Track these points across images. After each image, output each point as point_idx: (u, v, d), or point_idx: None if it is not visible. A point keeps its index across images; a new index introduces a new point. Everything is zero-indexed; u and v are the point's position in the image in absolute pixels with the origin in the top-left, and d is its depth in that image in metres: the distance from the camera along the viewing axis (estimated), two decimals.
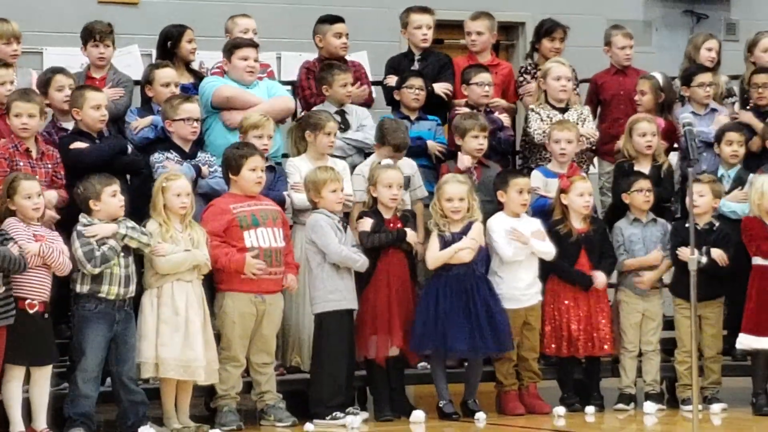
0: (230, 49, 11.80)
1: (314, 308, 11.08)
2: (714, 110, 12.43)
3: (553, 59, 12.45)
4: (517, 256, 11.35)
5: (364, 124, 11.98)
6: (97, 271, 10.28)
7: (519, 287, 11.40)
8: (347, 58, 12.52)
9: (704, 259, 11.02)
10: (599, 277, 11.44)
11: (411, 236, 11.21)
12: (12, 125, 10.62)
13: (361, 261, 11.03)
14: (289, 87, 12.53)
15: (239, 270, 10.65)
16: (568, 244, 11.50)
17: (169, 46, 11.85)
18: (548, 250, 11.36)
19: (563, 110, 12.20)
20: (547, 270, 11.45)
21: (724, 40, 14.91)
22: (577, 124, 12.14)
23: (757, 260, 11.37)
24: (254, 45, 11.85)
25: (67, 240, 10.30)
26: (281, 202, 11.14)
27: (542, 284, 11.49)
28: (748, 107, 12.59)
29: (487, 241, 11.35)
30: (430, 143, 12.01)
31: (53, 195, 10.62)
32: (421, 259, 11.29)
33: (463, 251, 11.08)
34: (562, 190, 11.61)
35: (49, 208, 10.45)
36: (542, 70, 12.36)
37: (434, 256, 11.12)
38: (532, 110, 12.21)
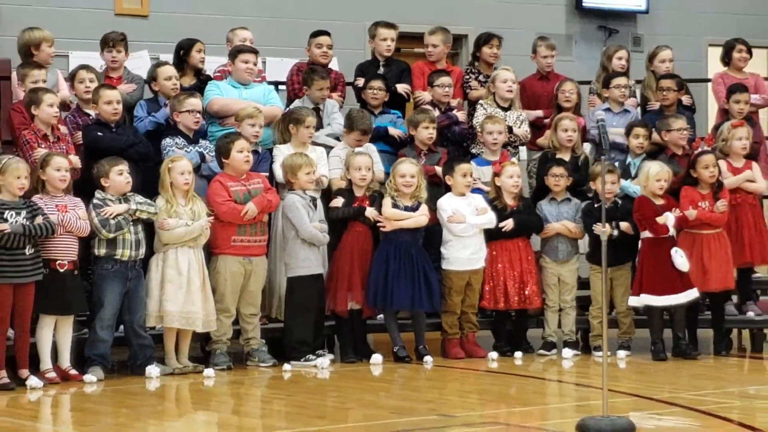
0: (234, 54, 11.79)
1: (288, 272, 11.10)
2: (627, 111, 12.42)
3: (501, 67, 12.47)
4: (466, 231, 11.40)
5: (334, 115, 11.97)
6: (111, 236, 10.30)
7: (465, 254, 11.43)
8: (332, 67, 12.53)
9: (615, 232, 11.15)
10: (508, 224, 11.49)
11: (370, 212, 11.23)
12: (43, 113, 10.59)
13: (325, 240, 11.09)
14: (272, 86, 12.52)
15: (238, 217, 10.74)
16: (503, 217, 11.54)
17: (182, 54, 11.82)
18: (487, 221, 11.39)
19: (506, 109, 12.21)
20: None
21: (631, 50, 14.92)
22: (516, 124, 12.18)
23: (645, 234, 11.38)
24: (255, 51, 11.85)
25: (88, 204, 10.35)
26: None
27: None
28: (648, 107, 12.65)
29: (438, 217, 11.40)
30: (390, 129, 12.01)
31: (76, 159, 10.67)
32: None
33: (421, 217, 11.14)
34: (496, 174, 11.65)
35: (74, 167, 10.48)
36: (492, 75, 12.36)
37: (389, 211, 11.17)
38: (480, 105, 12.23)
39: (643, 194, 11.39)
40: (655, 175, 11.34)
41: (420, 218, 11.24)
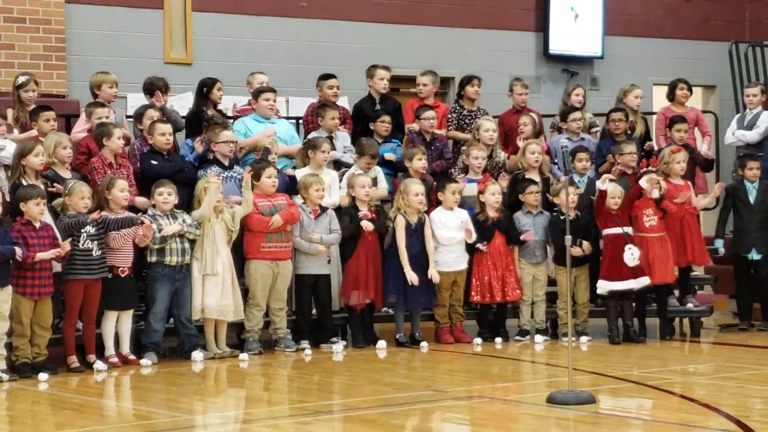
0: (257, 94, 11.81)
1: (296, 270, 11.12)
2: (582, 139, 12.38)
3: (484, 117, 12.43)
4: (450, 241, 11.44)
5: (347, 145, 11.99)
6: (157, 246, 10.34)
7: (451, 257, 11.46)
8: (341, 104, 12.51)
9: (576, 250, 11.15)
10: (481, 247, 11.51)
11: (366, 224, 11.18)
12: (113, 144, 10.61)
13: (311, 249, 11.03)
14: (293, 120, 12.52)
15: (266, 226, 10.77)
16: (486, 227, 11.56)
17: (205, 91, 11.77)
18: (472, 240, 11.43)
19: (490, 155, 12.15)
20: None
21: (589, 89, 14.98)
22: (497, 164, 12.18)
23: (605, 231, 11.39)
24: (273, 90, 11.86)
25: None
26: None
27: (470, 256, 11.53)
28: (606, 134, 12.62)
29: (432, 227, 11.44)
30: (386, 155, 11.92)
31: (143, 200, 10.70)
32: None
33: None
34: (480, 192, 11.68)
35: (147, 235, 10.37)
36: (476, 124, 12.28)
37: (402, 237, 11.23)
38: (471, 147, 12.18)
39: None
40: (611, 194, 11.35)
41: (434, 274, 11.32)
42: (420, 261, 11.29)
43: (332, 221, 11.21)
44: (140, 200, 10.66)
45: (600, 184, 11.31)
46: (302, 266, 11.10)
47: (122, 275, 10.24)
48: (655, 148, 12.53)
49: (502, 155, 12.27)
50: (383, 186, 11.67)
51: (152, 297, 10.44)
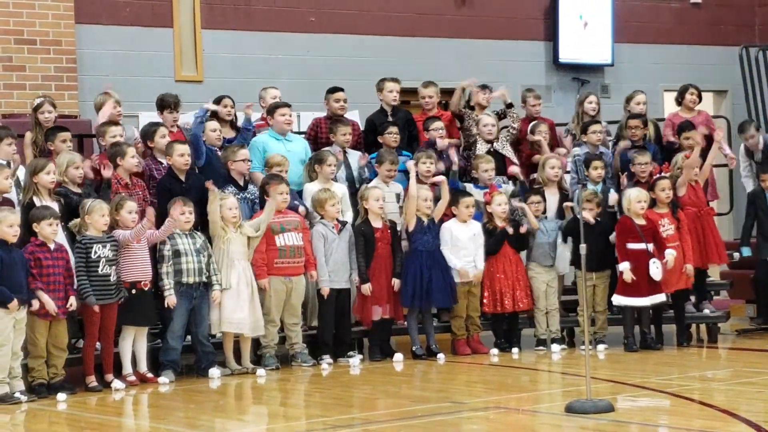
0: (273, 109, 11.79)
1: (319, 284, 11.11)
2: (602, 152, 12.31)
3: (484, 113, 12.44)
4: (463, 251, 11.41)
5: (361, 164, 11.95)
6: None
7: (461, 264, 11.42)
8: (353, 118, 12.51)
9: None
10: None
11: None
12: (127, 164, 10.62)
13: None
14: (304, 134, 12.51)
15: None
16: (496, 236, 11.52)
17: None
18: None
19: (492, 149, 12.21)
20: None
21: (601, 97, 14.95)
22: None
23: (627, 245, 11.34)
24: (288, 105, 11.87)
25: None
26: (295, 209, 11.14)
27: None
28: (621, 142, 12.56)
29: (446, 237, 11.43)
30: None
31: (151, 211, 10.67)
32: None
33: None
34: (487, 203, 11.67)
35: (150, 219, 10.47)
36: (477, 119, 12.37)
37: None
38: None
39: (626, 215, 11.42)
40: (636, 198, 11.40)
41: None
42: (437, 260, 11.29)
43: (351, 236, 11.20)
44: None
45: (622, 268, 11.28)
46: (323, 280, 11.06)
47: (145, 288, 10.24)
48: (706, 132, 12.36)
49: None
50: (444, 199, 11.57)
51: (170, 315, 10.43)
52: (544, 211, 11.76)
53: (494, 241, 11.49)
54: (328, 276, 11.07)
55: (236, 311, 10.56)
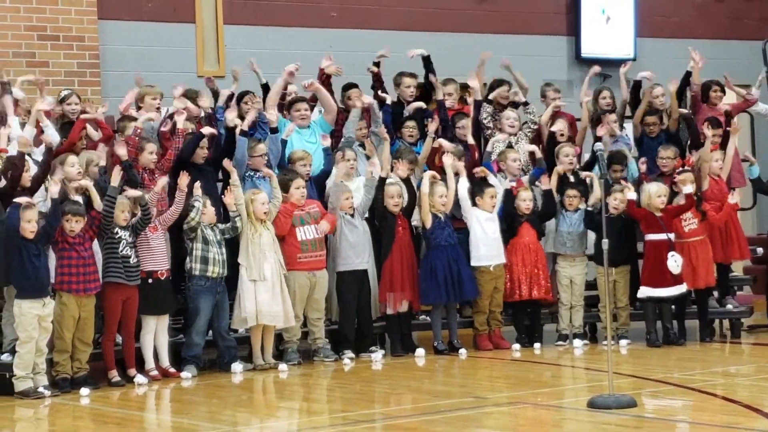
0: (289, 105, 11.86)
1: (336, 267, 11.18)
2: (617, 141, 12.36)
3: (509, 108, 12.47)
4: (487, 237, 11.46)
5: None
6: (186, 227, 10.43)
7: (488, 251, 11.48)
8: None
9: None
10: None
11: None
12: (144, 159, 10.66)
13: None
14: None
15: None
16: (519, 222, 11.58)
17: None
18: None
19: (512, 140, 12.24)
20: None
21: None
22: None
23: (648, 236, 11.39)
24: (304, 99, 11.90)
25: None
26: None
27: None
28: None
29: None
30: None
31: (163, 180, 10.62)
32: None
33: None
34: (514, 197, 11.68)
35: (163, 187, 10.53)
36: (501, 115, 12.37)
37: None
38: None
39: (647, 207, 11.40)
40: (656, 192, 11.39)
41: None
42: (459, 253, 11.30)
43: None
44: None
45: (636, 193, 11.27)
46: (342, 263, 11.11)
47: (162, 278, 10.28)
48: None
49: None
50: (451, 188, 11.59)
51: (194, 310, 10.46)
52: (586, 201, 11.72)
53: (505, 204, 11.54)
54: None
55: (272, 304, 10.58)
